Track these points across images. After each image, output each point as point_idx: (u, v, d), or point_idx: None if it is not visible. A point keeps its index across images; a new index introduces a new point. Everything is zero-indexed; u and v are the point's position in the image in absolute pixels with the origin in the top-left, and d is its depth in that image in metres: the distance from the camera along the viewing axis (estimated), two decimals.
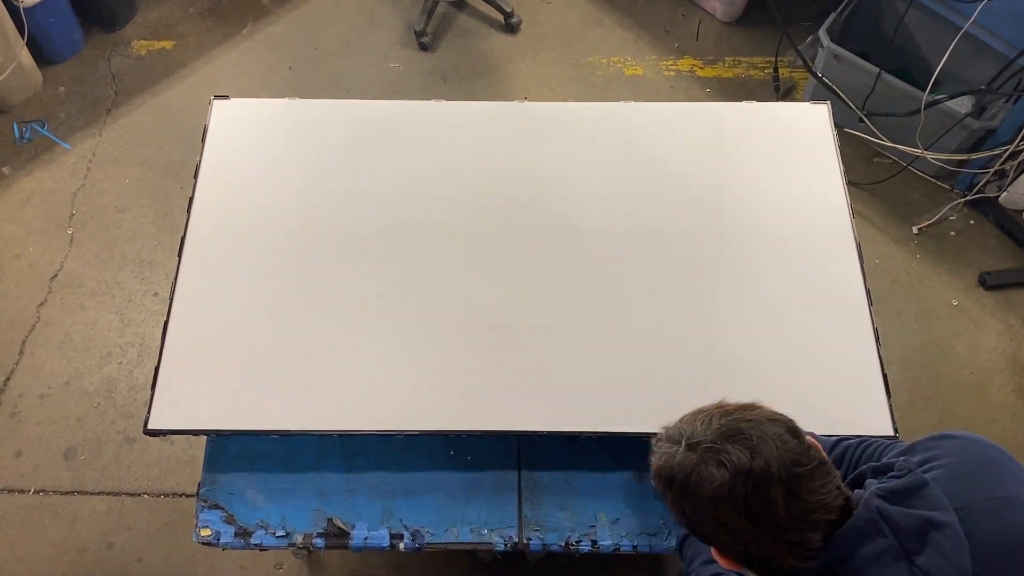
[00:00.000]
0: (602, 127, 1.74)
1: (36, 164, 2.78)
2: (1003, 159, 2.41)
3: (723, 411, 0.97)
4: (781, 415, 0.96)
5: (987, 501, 0.95)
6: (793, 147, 1.71)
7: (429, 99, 1.78)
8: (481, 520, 1.45)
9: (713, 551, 1.00)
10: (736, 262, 1.57)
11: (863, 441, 1.17)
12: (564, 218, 1.62)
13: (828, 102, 1.77)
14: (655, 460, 0.99)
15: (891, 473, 0.98)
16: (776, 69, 2.86)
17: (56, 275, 2.56)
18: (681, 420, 1.00)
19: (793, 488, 0.90)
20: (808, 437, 0.95)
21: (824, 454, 0.95)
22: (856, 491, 0.97)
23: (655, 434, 1.02)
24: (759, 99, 1.80)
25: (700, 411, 0.99)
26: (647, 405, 1.41)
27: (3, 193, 2.72)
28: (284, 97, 1.78)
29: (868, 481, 0.98)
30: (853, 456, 1.16)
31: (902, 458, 1.00)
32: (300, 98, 1.78)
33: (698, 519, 0.94)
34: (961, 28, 2.20)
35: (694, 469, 0.92)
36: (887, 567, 0.90)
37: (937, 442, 1.03)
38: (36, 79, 2.92)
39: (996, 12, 2.20)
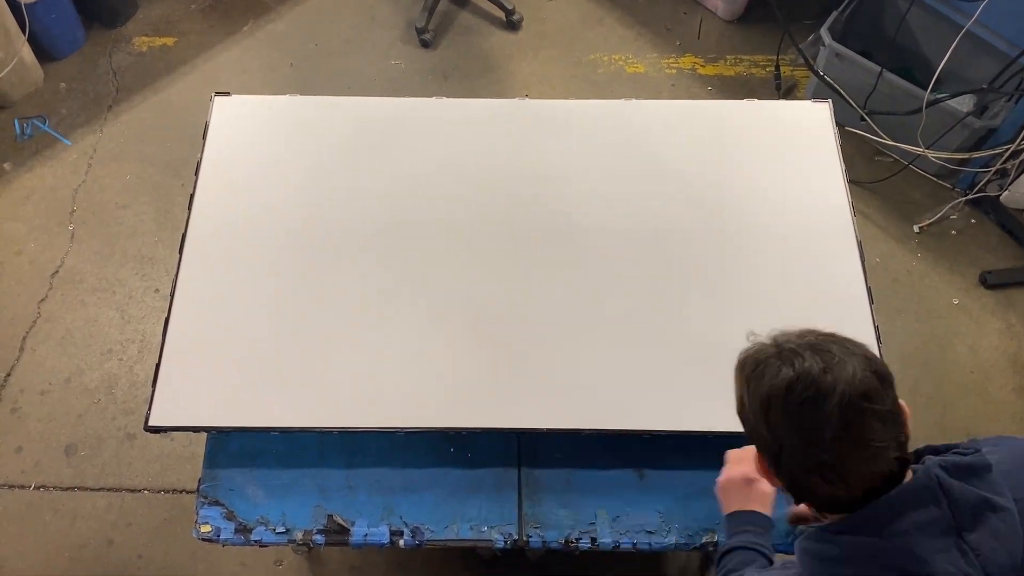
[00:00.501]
0: (603, 125, 1.74)
1: (37, 160, 2.78)
2: (1004, 158, 2.41)
3: (826, 333, 0.98)
4: (878, 357, 0.96)
5: None
6: (794, 145, 1.71)
7: (430, 96, 1.77)
8: (481, 517, 1.45)
9: (755, 451, 1.01)
10: (737, 260, 1.57)
11: None
12: (565, 216, 1.62)
13: (829, 100, 1.77)
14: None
15: (955, 450, 0.97)
16: (778, 67, 2.86)
17: (57, 271, 2.56)
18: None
19: (851, 417, 0.88)
20: (901, 401, 0.94)
21: (906, 415, 0.93)
22: (913, 465, 0.95)
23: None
24: (760, 97, 1.80)
25: (805, 329, 1.01)
26: (647, 403, 1.41)
27: (4, 189, 2.72)
28: (285, 94, 1.77)
29: (927, 457, 0.96)
30: None
31: (968, 439, 1.00)
32: (301, 95, 1.77)
33: (750, 407, 0.97)
34: (963, 27, 2.20)
35: (765, 361, 0.95)
36: (933, 537, 0.89)
37: (998, 439, 1.03)
38: (37, 75, 2.92)
39: (998, 11, 2.19)
